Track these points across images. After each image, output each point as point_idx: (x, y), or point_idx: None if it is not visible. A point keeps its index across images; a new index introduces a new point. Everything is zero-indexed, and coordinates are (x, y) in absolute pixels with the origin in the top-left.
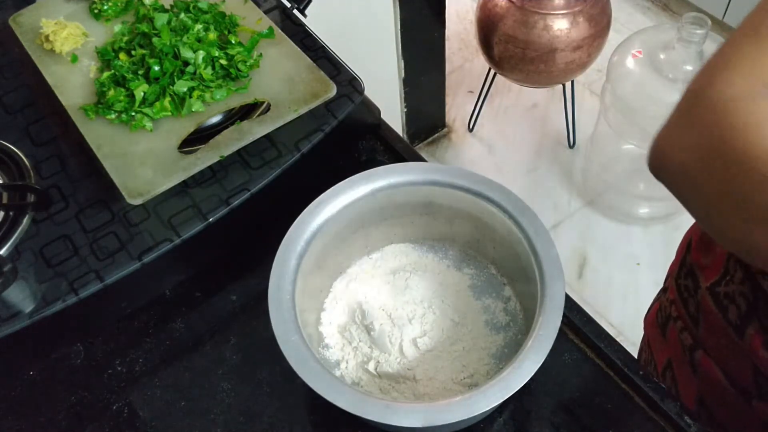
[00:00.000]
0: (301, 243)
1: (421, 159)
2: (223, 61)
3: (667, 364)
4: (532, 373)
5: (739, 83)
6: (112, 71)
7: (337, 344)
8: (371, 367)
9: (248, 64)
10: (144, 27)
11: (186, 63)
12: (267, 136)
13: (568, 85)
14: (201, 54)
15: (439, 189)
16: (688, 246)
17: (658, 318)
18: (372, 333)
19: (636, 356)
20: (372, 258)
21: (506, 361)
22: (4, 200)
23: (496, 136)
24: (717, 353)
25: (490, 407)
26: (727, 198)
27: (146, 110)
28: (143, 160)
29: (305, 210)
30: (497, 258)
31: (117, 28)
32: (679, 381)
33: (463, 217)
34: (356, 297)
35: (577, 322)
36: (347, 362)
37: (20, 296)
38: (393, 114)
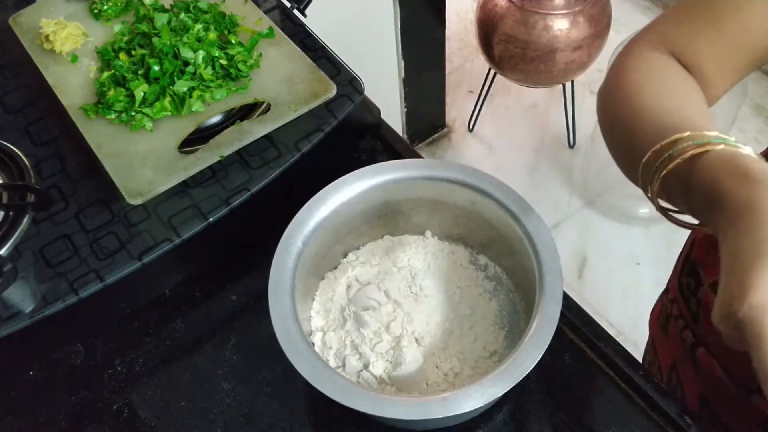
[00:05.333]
0: (298, 243)
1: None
2: (223, 61)
3: (672, 365)
4: (557, 318)
5: (646, 41)
6: (112, 71)
7: (347, 349)
8: (387, 370)
9: (248, 64)
10: (144, 27)
11: (186, 63)
12: (267, 136)
13: (568, 85)
14: (201, 54)
15: (401, 182)
16: (692, 244)
17: (660, 318)
18: (383, 335)
19: (637, 356)
20: (356, 257)
21: (512, 324)
22: (4, 200)
23: (496, 136)
24: (717, 350)
25: (537, 360)
26: (611, 139)
27: (146, 110)
28: (143, 160)
29: (298, 214)
30: (463, 233)
31: (117, 28)
32: (683, 380)
33: (422, 204)
34: (355, 303)
35: (577, 322)
36: (363, 368)
37: (20, 296)
38: (393, 114)
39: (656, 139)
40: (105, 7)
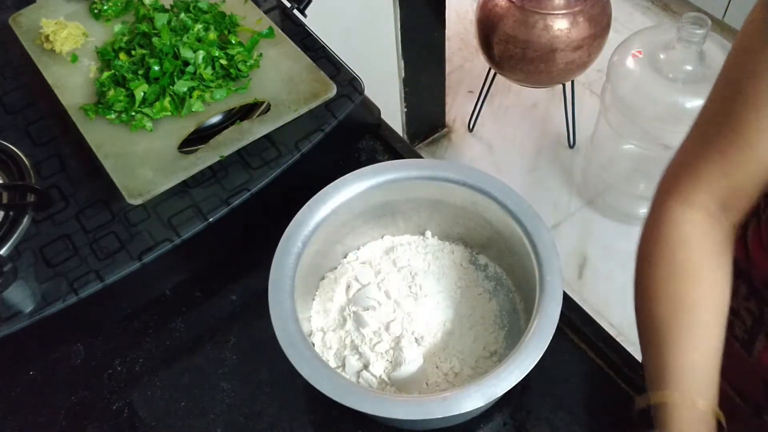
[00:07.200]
0: (298, 243)
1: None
2: (223, 61)
3: None
4: (557, 318)
5: (679, 196)
6: (112, 71)
7: (347, 350)
8: (387, 370)
9: (248, 64)
10: (144, 27)
11: (186, 63)
12: (267, 136)
13: (568, 85)
14: (201, 54)
15: (401, 182)
16: None
17: None
18: (383, 335)
19: (637, 356)
20: (356, 257)
21: (512, 324)
22: (4, 200)
23: (496, 136)
24: (728, 371)
25: (537, 360)
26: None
27: (146, 110)
28: (143, 160)
29: (298, 214)
30: (463, 232)
31: (117, 28)
32: None
33: (422, 204)
34: (355, 303)
35: (577, 322)
36: (363, 368)
37: (20, 296)
38: (393, 114)
39: (651, 386)
40: (105, 7)
